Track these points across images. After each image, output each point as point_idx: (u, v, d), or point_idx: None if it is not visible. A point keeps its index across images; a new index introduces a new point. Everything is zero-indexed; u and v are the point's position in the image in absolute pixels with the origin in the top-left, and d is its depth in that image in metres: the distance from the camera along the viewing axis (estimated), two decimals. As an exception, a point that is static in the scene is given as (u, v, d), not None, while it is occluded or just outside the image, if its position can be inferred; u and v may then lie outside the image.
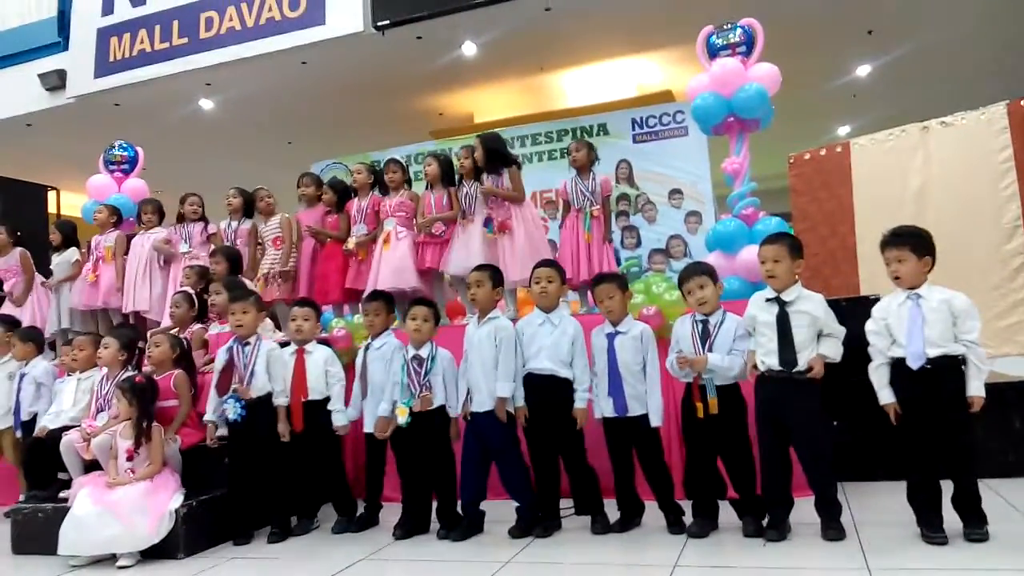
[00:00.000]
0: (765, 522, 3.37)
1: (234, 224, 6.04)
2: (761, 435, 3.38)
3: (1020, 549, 2.94)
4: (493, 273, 3.98)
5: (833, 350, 3.29)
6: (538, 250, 5.02)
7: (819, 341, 3.32)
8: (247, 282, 5.33)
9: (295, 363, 4.16)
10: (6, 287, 6.47)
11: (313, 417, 4.11)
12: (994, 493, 3.60)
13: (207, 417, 4.15)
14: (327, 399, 4.14)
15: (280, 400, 4.10)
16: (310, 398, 4.12)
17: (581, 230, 5.20)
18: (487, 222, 5.19)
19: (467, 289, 4.20)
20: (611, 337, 3.69)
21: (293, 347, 4.23)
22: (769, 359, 3.32)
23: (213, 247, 5.77)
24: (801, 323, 3.30)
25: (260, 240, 5.99)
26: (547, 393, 3.71)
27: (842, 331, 3.33)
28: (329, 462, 4.16)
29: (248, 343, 4.15)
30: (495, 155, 5.20)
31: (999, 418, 4.07)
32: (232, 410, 4.02)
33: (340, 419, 4.11)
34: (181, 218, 6.13)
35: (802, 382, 3.27)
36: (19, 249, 6.52)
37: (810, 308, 3.33)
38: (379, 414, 3.97)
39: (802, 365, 3.26)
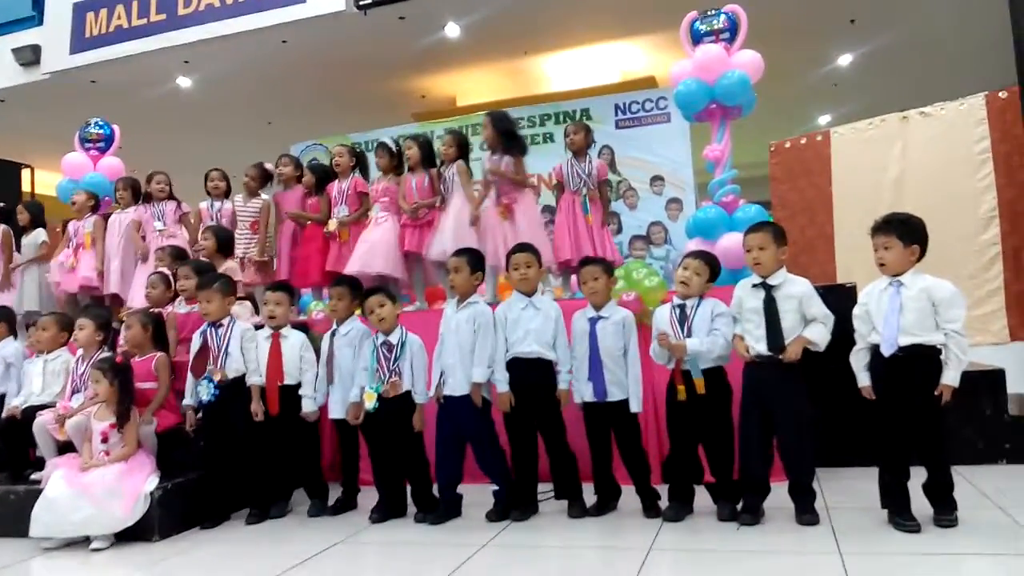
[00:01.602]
0: (739, 506, 3.40)
1: (217, 204, 5.96)
2: (745, 420, 3.39)
3: (988, 534, 3.00)
4: (472, 258, 3.96)
5: (818, 335, 3.29)
6: (535, 238, 4.98)
7: (806, 326, 3.33)
8: (230, 263, 5.27)
9: (271, 347, 4.13)
10: None
11: (288, 401, 4.09)
12: (965, 480, 3.65)
13: (185, 402, 4.13)
14: (299, 384, 4.12)
15: (253, 379, 4.07)
16: (286, 382, 4.09)
17: (579, 212, 5.18)
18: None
19: (447, 273, 4.17)
20: (593, 322, 3.70)
21: (268, 330, 4.19)
22: (757, 344, 3.34)
23: (204, 226, 5.70)
24: (788, 308, 3.32)
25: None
26: (534, 376, 3.71)
27: (830, 317, 3.33)
28: (304, 446, 4.14)
29: (221, 325, 4.11)
30: (507, 135, 5.12)
31: (971, 406, 4.13)
32: (205, 391, 4.01)
33: (310, 405, 4.08)
34: (148, 197, 6.04)
35: (789, 368, 3.29)
36: (1, 227, 6.42)
37: (796, 292, 3.35)
38: (350, 400, 3.96)
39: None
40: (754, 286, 3.42)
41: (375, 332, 3.96)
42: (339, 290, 4.19)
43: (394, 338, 3.89)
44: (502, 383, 3.72)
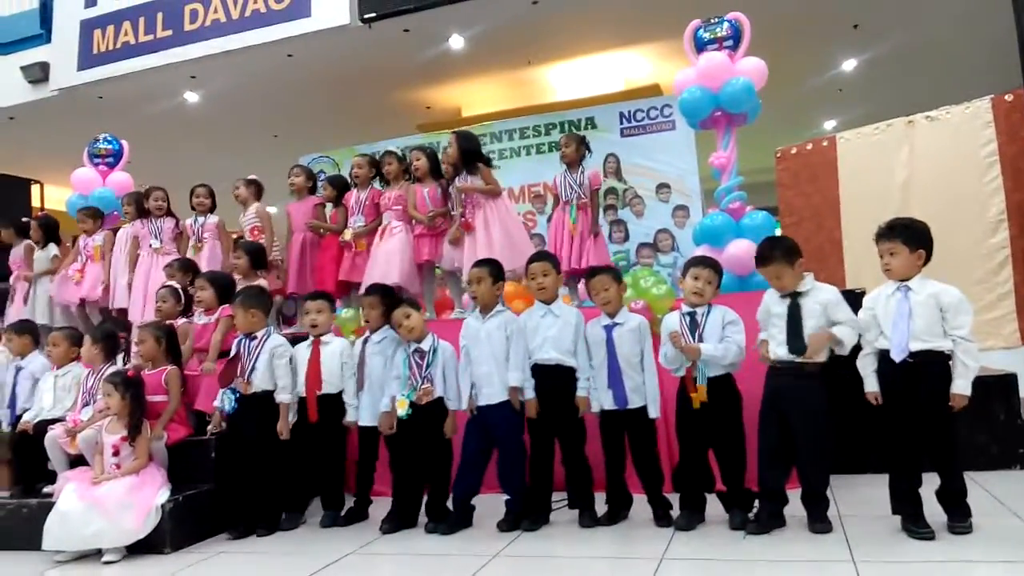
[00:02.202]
0: (752, 514, 3.39)
1: (201, 220, 6.00)
2: (763, 426, 3.38)
3: (1003, 541, 2.97)
4: (493, 268, 3.97)
5: (845, 334, 3.25)
6: (515, 242, 5.00)
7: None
8: (263, 280, 5.28)
9: (311, 355, 4.16)
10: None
11: (326, 410, 4.11)
12: (979, 486, 3.63)
13: (214, 404, 4.15)
14: (341, 392, 4.14)
15: (282, 396, 4.09)
16: (324, 391, 4.11)
17: (567, 221, 5.20)
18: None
19: (468, 285, 4.19)
20: (609, 329, 3.70)
21: (310, 339, 4.23)
22: (779, 349, 3.33)
23: (234, 243, 5.78)
24: (813, 314, 3.30)
25: (240, 234, 5.96)
26: (554, 382, 3.72)
27: (857, 322, 3.28)
28: (333, 455, 4.16)
29: (255, 338, 4.13)
30: (469, 154, 5.16)
31: (984, 411, 4.10)
32: (228, 402, 4.04)
33: (352, 414, 4.10)
34: (147, 213, 6.08)
35: (809, 374, 3.28)
36: (25, 242, 6.49)
37: (822, 299, 3.32)
38: (381, 410, 3.96)
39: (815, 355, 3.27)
40: (782, 296, 3.41)
41: (407, 342, 3.97)
42: (370, 299, 4.21)
43: (426, 345, 3.91)
44: (529, 390, 3.73)
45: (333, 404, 4.13)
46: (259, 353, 4.09)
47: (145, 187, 6.32)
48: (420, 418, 3.83)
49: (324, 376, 4.12)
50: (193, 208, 6.04)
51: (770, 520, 3.33)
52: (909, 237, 3.16)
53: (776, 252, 3.39)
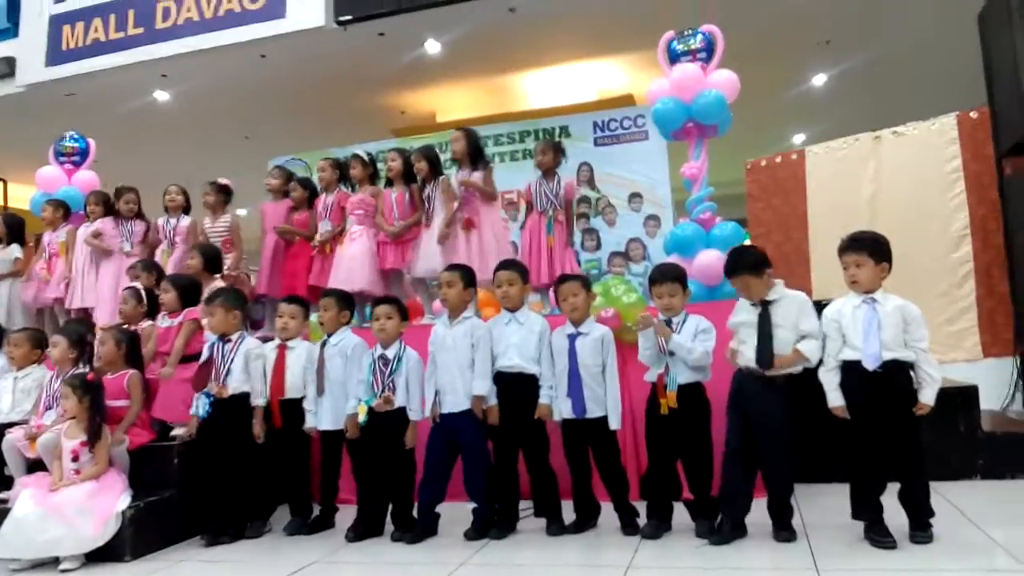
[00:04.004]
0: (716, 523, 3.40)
1: (173, 221, 5.91)
2: (728, 432, 3.40)
3: (963, 550, 3.02)
4: (465, 273, 3.96)
5: (810, 350, 3.30)
6: (500, 252, 5.01)
7: (799, 341, 3.33)
8: (218, 283, 5.21)
9: (276, 360, 4.11)
10: None
11: (290, 416, 4.06)
12: (940, 496, 3.68)
13: (191, 411, 4.07)
14: (302, 397, 4.10)
15: (257, 401, 4.05)
16: (287, 396, 4.06)
17: (543, 233, 5.20)
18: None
19: (438, 288, 4.18)
20: (572, 338, 3.70)
21: (275, 343, 4.18)
22: (748, 353, 3.36)
23: (193, 243, 5.64)
24: (783, 323, 3.33)
25: (204, 235, 5.87)
26: (515, 390, 3.72)
27: (821, 334, 3.32)
28: (298, 461, 4.11)
29: (230, 340, 4.07)
30: (477, 150, 5.21)
31: (945, 423, 4.16)
32: (201, 406, 3.98)
33: (311, 420, 4.05)
34: (117, 213, 5.98)
35: (775, 383, 3.31)
36: None
37: (792, 306, 3.36)
38: (347, 412, 3.93)
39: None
40: (752, 304, 3.43)
41: (374, 345, 3.94)
42: (325, 301, 4.18)
43: (391, 352, 3.88)
44: (492, 397, 3.72)
45: (297, 410, 4.08)
46: (234, 356, 4.04)
47: (111, 186, 6.20)
48: (380, 427, 3.80)
49: (288, 381, 4.08)
50: (166, 208, 5.95)
51: (732, 531, 3.34)
52: (875, 250, 3.23)
53: (742, 264, 3.43)
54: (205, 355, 4.10)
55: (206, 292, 4.60)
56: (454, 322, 3.85)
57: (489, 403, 3.72)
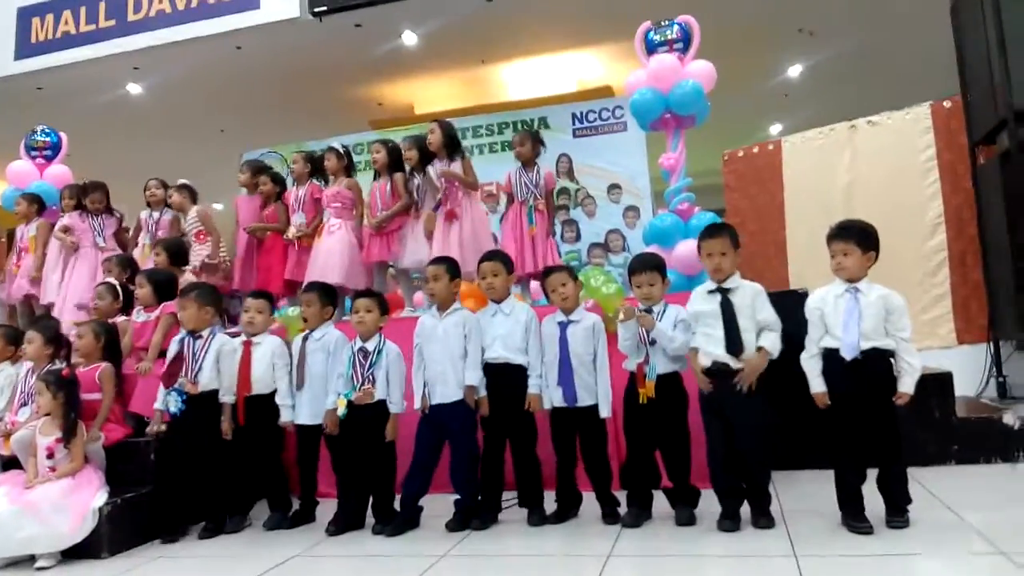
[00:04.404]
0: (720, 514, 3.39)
1: (156, 215, 5.85)
2: (708, 431, 3.41)
3: (939, 535, 3.05)
4: (450, 266, 3.95)
5: (772, 344, 3.34)
6: (481, 243, 5.00)
7: (759, 336, 3.37)
8: (187, 276, 5.17)
9: (241, 356, 4.07)
10: None
11: (256, 412, 4.02)
12: (916, 482, 3.71)
13: (156, 406, 4.03)
14: (273, 393, 4.05)
15: (226, 397, 4.01)
16: (253, 392, 4.02)
17: (524, 223, 5.20)
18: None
19: (424, 283, 4.16)
20: (563, 326, 3.71)
21: (240, 340, 4.14)
22: (715, 348, 3.35)
23: (157, 239, 5.59)
24: (743, 312, 3.35)
25: (183, 233, 5.83)
26: (502, 380, 3.71)
27: (779, 322, 3.37)
28: (270, 457, 4.08)
29: (200, 336, 4.03)
30: (453, 141, 5.20)
31: (921, 409, 4.21)
32: (173, 403, 3.93)
33: (288, 414, 4.02)
34: (85, 208, 5.91)
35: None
36: None
37: (749, 296, 3.38)
38: (327, 407, 3.90)
39: (747, 353, 3.31)
40: (710, 292, 3.45)
41: (353, 338, 3.92)
42: (308, 296, 4.14)
43: (371, 345, 3.85)
44: (482, 388, 3.72)
45: (265, 405, 4.04)
46: (206, 352, 3.99)
47: (84, 180, 6.13)
48: (360, 420, 3.78)
49: (254, 376, 4.04)
50: (148, 203, 5.89)
51: (737, 518, 3.34)
52: (862, 239, 3.25)
53: (726, 229, 3.47)
54: (175, 350, 4.04)
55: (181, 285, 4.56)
56: (444, 314, 3.84)
57: (480, 394, 3.72)
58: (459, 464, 3.75)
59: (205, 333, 4.06)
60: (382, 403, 3.80)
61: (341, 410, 3.78)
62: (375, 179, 5.48)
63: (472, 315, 3.86)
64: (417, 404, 3.79)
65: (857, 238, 3.24)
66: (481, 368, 3.74)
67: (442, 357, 3.76)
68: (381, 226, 5.25)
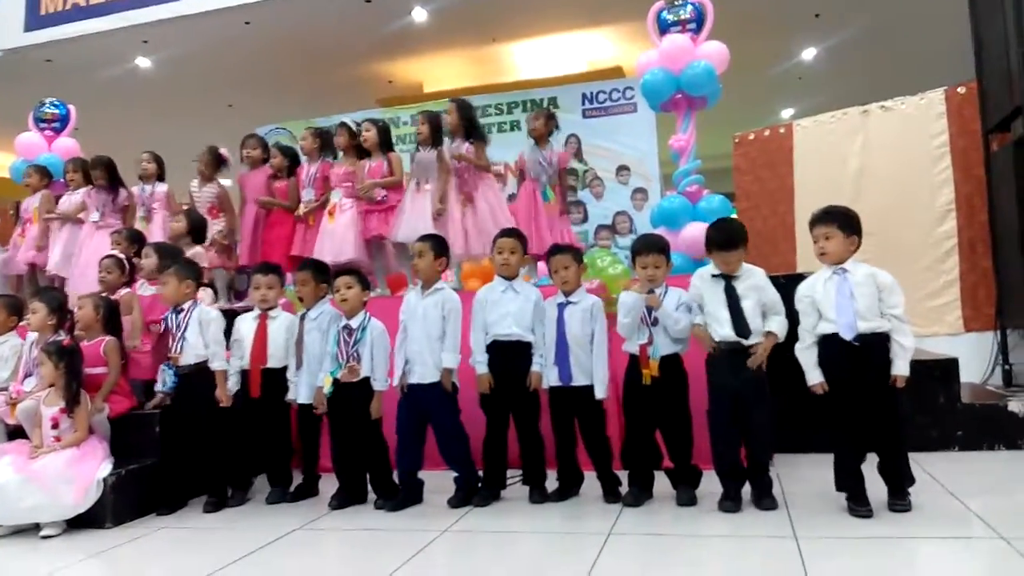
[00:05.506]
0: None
1: (148, 188, 5.84)
2: (715, 410, 3.40)
3: (941, 519, 3.05)
4: (436, 243, 3.93)
5: (779, 327, 3.34)
6: (499, 224, 4.97)
7: (765, 321, 3.36)
8: (198, 249, 5.17)
9: (257, 328, 4.07)
10: None
11: (271, 384, 4.03)
12: (919, 467, 3.71)
13: (157, 387, 4.07)
14: (284, 367, 4.07)
15: (216, 364, 4.00)
16: (269, 365, 4.03)
17: (539, 200, 5.16)
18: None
19: (412, 259, 4.14)
20: (561, 307, 3.69)
21: (256, 312, 4.15)
22: (723, 329, 3.36)
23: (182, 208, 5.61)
24: (747, 296, 3.35)
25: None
26: (511, 357, 3.69)
27: (783, 306, 3.37)
28: (279, 431, 4.09)
29: (182, 310, 4.04)
30: (470, 123, 5.15)
31: (925, 395, 4.21)
32: (168, 378, 3.95)
33: (295, 391, 4.03)
34: (91, 182, 5.90)
35: (751, 356, 3.33)
36: None
37: (753, 281, 3.38)
38: (317, 385, 3.91)
39: (754, 335, 3.31)
40: (713, 276, 3.43)
41: (340, 317, 3.92)
42: (302, 275, 4.14)
43: (355, 322, 3.85)
44: (482, 364, 3.71)
45: (278, 379, 4.06)
46: (187, 324, 4.00)
47: (91, 153, 6.12)
48: (347, 398, 3.79)
49: (270, 350, 4.05)
50: (140, 177, 5.88)
51: (739, 498, 3.36)
52: (844, 223, 3.24)
53: (740, 240, 3.41)
54: (163, 326, 4.07)
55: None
56: (426, 292, 3.82)
57: (479, 371, 3.71)
58: (446, 444, 3.76)
59: (186, 306, 4.05)
60: (367, 380, 3.80)
61: (327, 388, 3.79)
62: (360, 157, 5.43)
63: (453, 295, 3.83)
64: (396, 381, 3.78)
65: (839, 222, 3.23)
66: (458, 351, 3.71)
67: (420, 336, 3.74)
68: (366, 194, 5.23)
